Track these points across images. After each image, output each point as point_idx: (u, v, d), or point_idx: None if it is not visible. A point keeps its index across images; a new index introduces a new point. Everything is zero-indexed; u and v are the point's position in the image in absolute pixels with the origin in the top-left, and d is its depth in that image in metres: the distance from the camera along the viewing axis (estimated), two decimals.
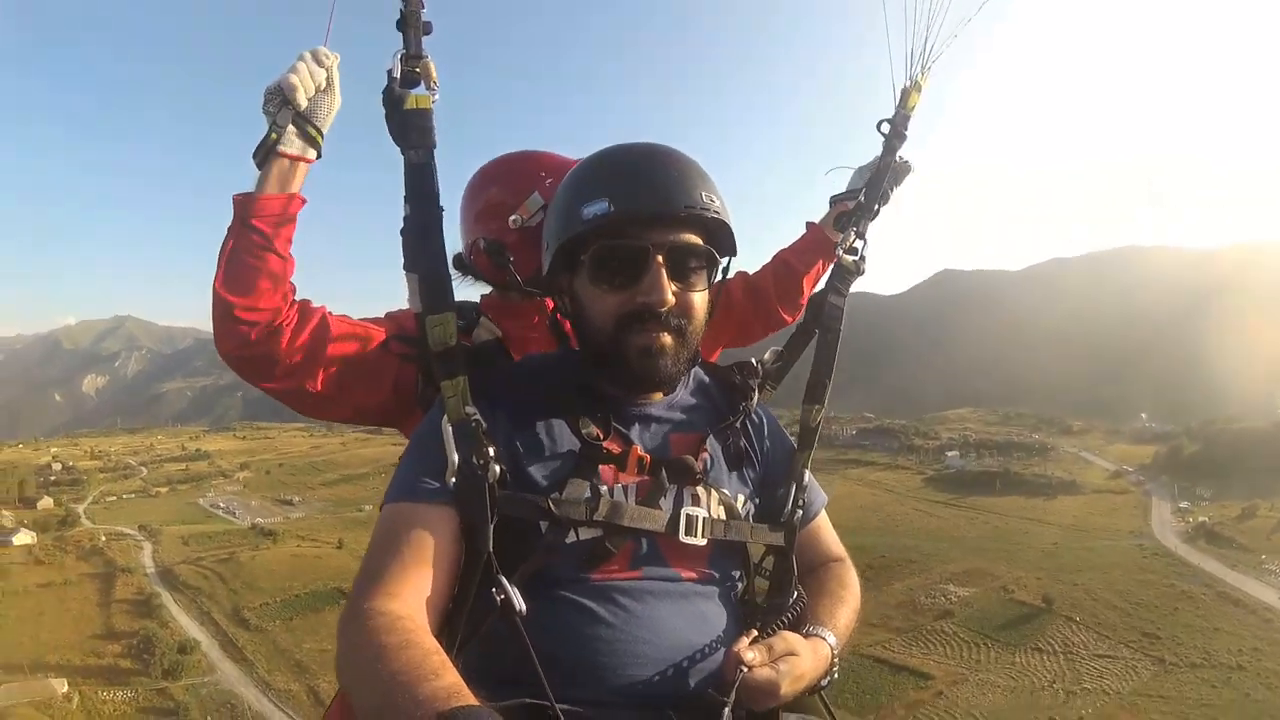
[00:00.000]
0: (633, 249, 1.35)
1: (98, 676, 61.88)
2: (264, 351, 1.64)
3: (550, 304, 1.63)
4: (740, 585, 1.54)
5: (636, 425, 1.48)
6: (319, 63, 1.61)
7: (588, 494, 1.34)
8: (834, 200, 2.29)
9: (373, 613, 1.12)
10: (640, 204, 1.34)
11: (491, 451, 1.30)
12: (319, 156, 1.66)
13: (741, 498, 1.51)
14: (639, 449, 1.41)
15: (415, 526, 1.25)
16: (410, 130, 1.41)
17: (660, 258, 1.35)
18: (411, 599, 1.18)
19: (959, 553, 72.72)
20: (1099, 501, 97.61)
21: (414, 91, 1.44)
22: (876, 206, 1.97)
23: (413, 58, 1.45)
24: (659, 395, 1.52)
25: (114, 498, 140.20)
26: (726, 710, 1.18)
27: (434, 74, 1.45)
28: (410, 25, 1.45)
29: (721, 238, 1.45)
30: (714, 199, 1.39)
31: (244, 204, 1.58)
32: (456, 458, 1.30)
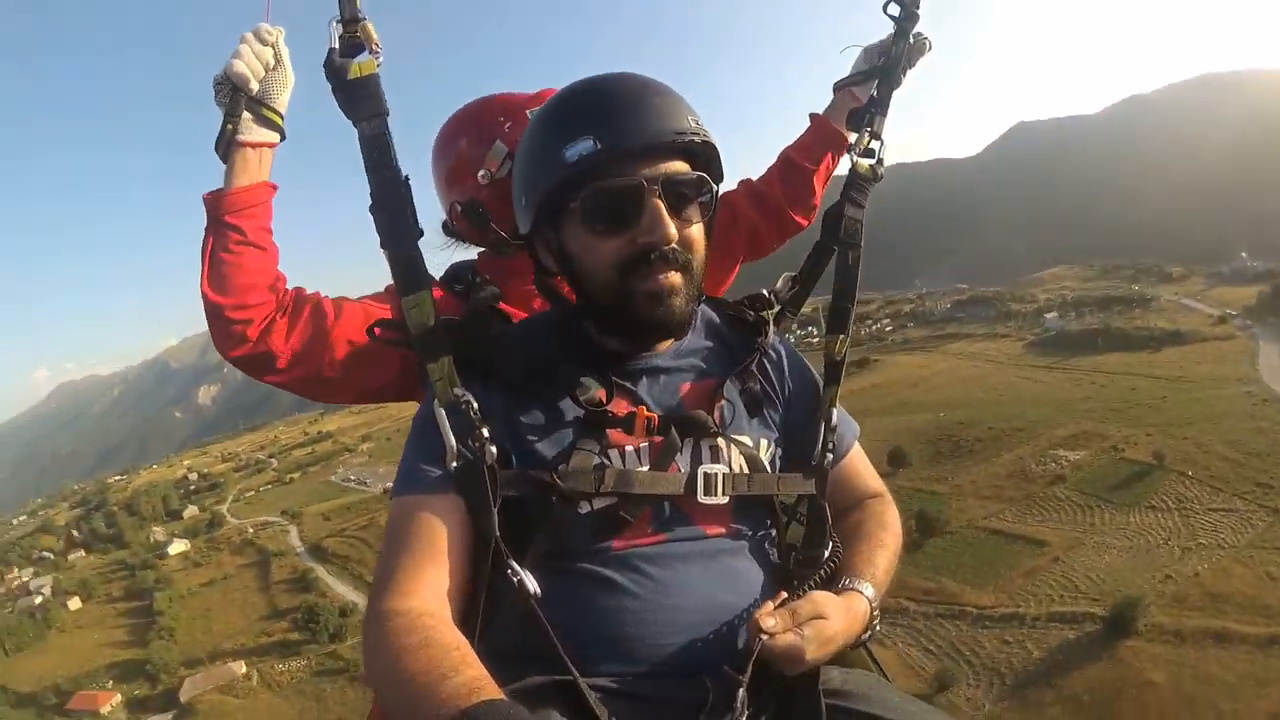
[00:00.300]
0: (628, 187, 1.24)
1: (271, 653, 68.24)
2: (263, 347, 1.60)
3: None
4: (773, 533, 1.47)
5: (644, 380, 1.39)
6: (262, 41, 1.53)
7: (595, 464, 1.27)
8: (838, 86, 2.08)
9: (391, 614, 1.11)
10: (631, 137, 1.23)
11: (486, 432, 1.25)
12: (283, 138, 1.60)
13: (765, 443, 1.43)
14: (645, 409, 1.33)
15: (423, 518, 1.22)
16: (358, 101, 1.33)
17: (657, 192, 1.25)
18: (429, 594, 1.16)
19: (1066, 416, 70.78)
20: (1205, 350, 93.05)
21: (356, 60, 1.35)
22: (890, 99, 1.86)
23: (349, 22, 1.35)
24: (666, 344, 1.43)
25: (252, 492, 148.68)
26: (741, 691, 1.12)
27: (374, 36, 1.36)
28: None
29: (711, 164, 1.36)
30: (700, 123, 1.30)
31: (214, 202, 1.53)
32: (453, 442, 1.25)
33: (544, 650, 1.15)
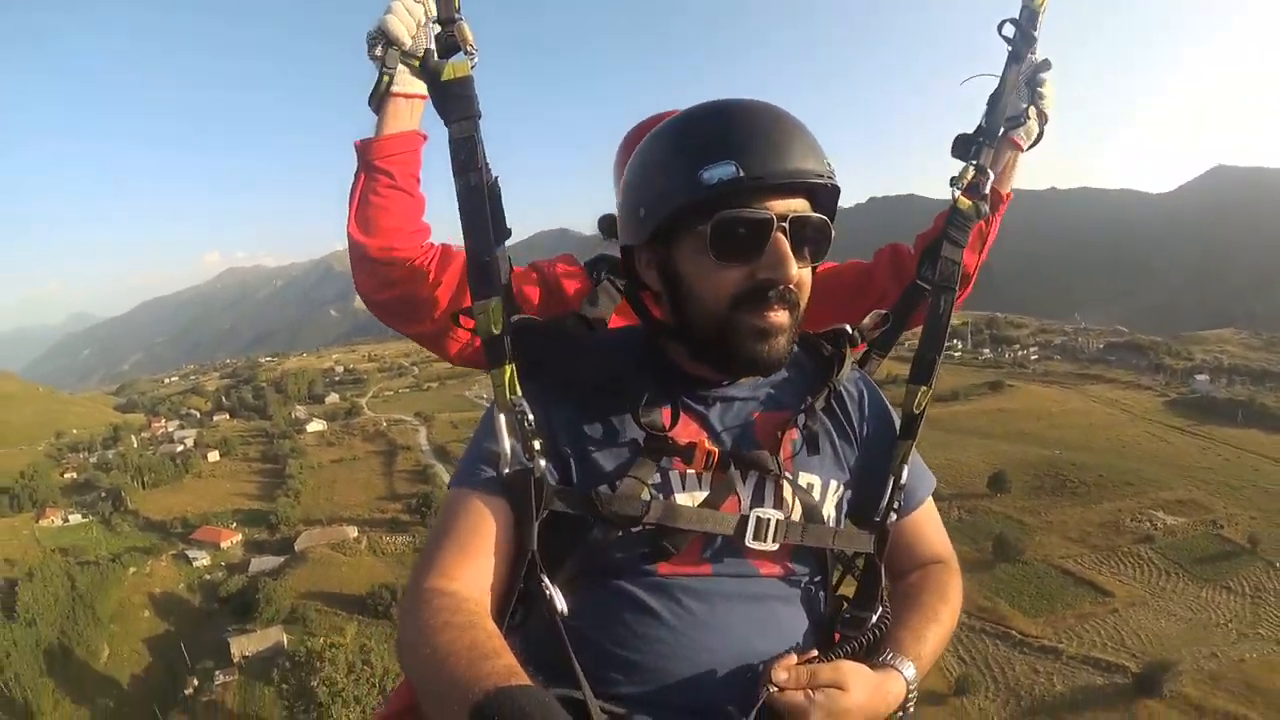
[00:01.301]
0: (761, 220, 1.17)
1: (382, 527, 77.10)
2: (405, 293, 1.60)
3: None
4: (829, 579, 1.40)
5: (718, 406, 1.33)
6: None
7: (644, 491, 1.21)
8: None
9: (438, 592, 1.11)
10: (774, 171, 1.16)
11: (538, 444, 1.21)
12: None
13: (835, 484, 1.35)
14: (707, 442, 1.25)
15: (473, 515, 1.21)
16: (450, 102, 1.33)
17: (785, 229, 1.19)
18: (473, 583, 1.15)
19: (1180, 481, 68.75)
20: None
21: (451, 60, 1.35)
22: (1004, 128, 1.70)
23: (446, 22, 1.35)
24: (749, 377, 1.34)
25: (390, 392, 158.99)
26: None
27: (470, 37, 1.35)
28: None
29: (831, 209, 1.28)
30: (831, 166, 1.23)
31: (366, 147, 1.53)
32: (508, 449, 1.22)
33: (559, 664, 1.11)
